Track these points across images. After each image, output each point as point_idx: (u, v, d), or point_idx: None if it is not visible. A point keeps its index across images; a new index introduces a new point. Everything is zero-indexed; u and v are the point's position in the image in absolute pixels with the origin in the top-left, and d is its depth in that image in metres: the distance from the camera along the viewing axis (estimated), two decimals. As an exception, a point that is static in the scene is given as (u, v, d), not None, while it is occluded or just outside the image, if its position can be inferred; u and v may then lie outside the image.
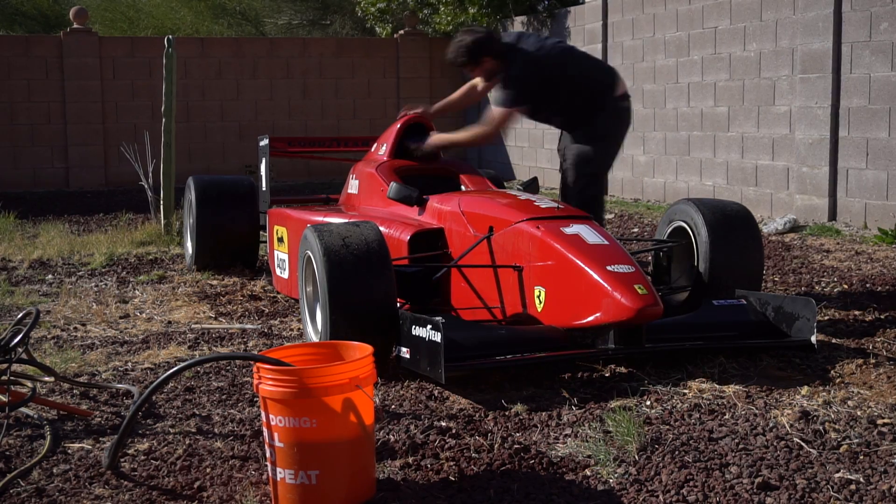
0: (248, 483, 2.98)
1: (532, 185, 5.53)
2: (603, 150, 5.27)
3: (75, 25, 13.57)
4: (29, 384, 3.73)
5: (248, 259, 6.78)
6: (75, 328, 5.21)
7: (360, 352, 2.93)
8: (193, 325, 5.23)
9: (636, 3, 10.85)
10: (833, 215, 8.13)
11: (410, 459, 3.12)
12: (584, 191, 5.23)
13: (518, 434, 3.37)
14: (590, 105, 5.25)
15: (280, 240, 5.81)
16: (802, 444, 3.17)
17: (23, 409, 3.64)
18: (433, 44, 15.03)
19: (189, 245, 6.86)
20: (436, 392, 3.85)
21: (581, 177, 5.22)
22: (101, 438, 3.44)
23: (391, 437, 3.35)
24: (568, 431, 3.37)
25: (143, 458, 3.23)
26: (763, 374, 3.97)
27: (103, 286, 6.41)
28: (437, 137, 5.57)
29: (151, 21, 19.55)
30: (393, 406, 3.71)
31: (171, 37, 8.69)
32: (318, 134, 14.03)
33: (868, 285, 5.70)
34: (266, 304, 5.75)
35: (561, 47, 5.38)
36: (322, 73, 14.51)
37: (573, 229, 4.26)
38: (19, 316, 3.79)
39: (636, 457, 3.09)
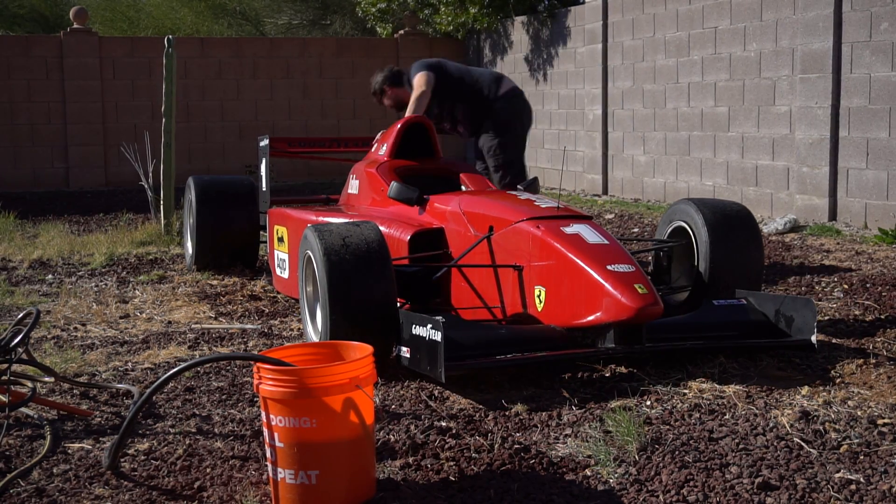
0: (248, 483, 2.98)
1: (532, 185, 5.53)
2: (507, 142, 6.39)
3: (75, 25, 13.57)
4: (29, 384, 3.73)
5: (248, 259, 6.78)
6: (75, 328, 5.21)
7: (360, 352, 2.92)
8: (193, 325, 5.23)
9: (636, 3, 10.85)
10: (833, 215, 8.13)
11: (410, 459, 3.11)
12: (504, 178, 6.32)
13: (518, 434, 3.37)
14: (482, 109, 6.42)
15: (280, 240, 5.81)
16: (802, 444, 3.17)
17: (23, 409, 3.64)
18: (434, 44, 15.03)
19: (189, 245, 6.86)
20: (436, 392, 3.85)
21: (498, 166, 6.37)
22: (101, 438, 3.44)
23: (391, 437, 3.35)
24: (568, 431, 3.37)
25: (143, 458, 3.23)
26: (763, 374, 3.97)
27: (103, 286, 6.41)
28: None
29: (151, 21, 19.55)
30: (393, 406, 3.71)
31: (171, 37, 8.69)
32: (318, 134, 14.03)
33: (868, 285, 5.69)
34: (266, 304, 5.75)
35: (459, 66, 6.67)
36: (322, 73, 14.51)
37: (573, 229, 4.26)
38: (19, 316, 3.79)
39: (636, 457, 3.09)
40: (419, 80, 6.32)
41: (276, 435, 2.76)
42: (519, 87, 6.69)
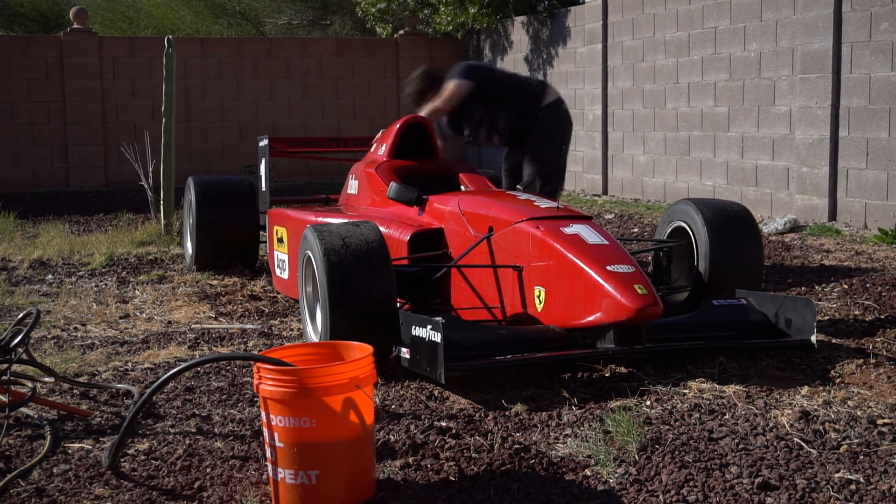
0: (248, 483, 2.99)
1: (532, 186, 5.53)
2: (548, 151, 6.09)
3: (75, 25, 13.57)
4: (29, 384, 3.73)
5: (248, 259, 6.78)
6: (75, 328, 5.21)
7: (360, 352, 2.93)
8: (193, 325, 5.23)
9: (636, 3, 10.85)
10: (833, 215, 8.13)
11: (410, 459, 3.12)
12: (543, 189, 5.87)
13: (518, 434, 3.37)
14: (527, 116, 6.08)
15: (280, 240, 5.81)
16: (802, 444, 3.18)
17: (23, 409, 3.64)
18: (433, 44, 15.03)
19: (189, 245, 6.86)
20: (436, 392, 3.85)
21: (538, 176, 5.96)
22: (101, 438, 3.44)
23: (391, 437, 3.35)
24: (568, 431, 3.37)
25: (143, 458, 3.23)
26: (763, 374, 3.97)
27: (103, 286, 6.41)
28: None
29: (151, 21, 19.54)
30: (393, 406, 3.72)
31: (171, 37, 8.69)
32: (318, 134, 14.03)
33: (868, 285, 5.70)
34: (266, 304, 5.75)
35: (504, 70, 6.45)
36: (322, 73, 14.51)
37: (573, 229, 4.26)
38: (20, 316, 3.79)
39: (636, 457, 3.09)
40: (450, 89, 5.97)
41: (276, 435, 2.76)
42: (562, 97, 6.38)
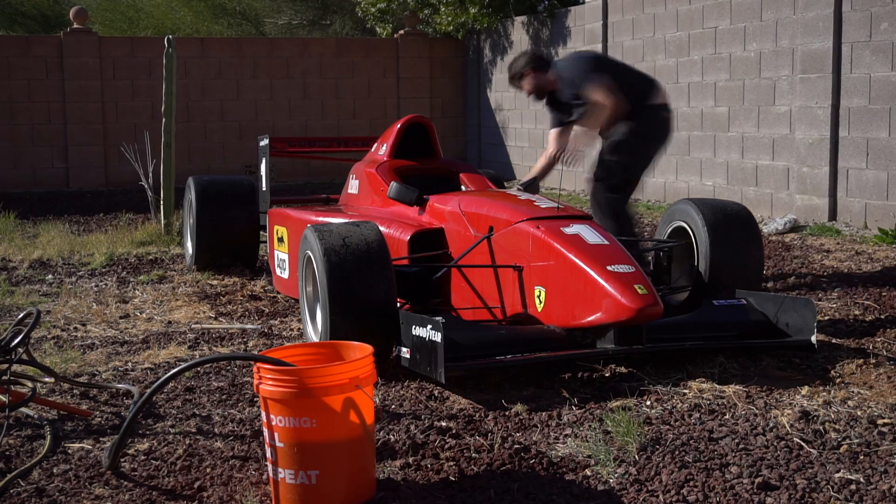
0: (248, 483, 2.99)
1: (532, 186, 5.53)
2: (626, 161, 5.23)
3: (75, 25, 13.57)
4: (29, 384, 3.73)
5: (248, 259, 6.78)
6: (75, 328, 5.21)
7: (360, 352, 2.93)
8: (193, 325, 5.23)
9: (636, 3, 10.85)
10: (833, 215, 8.13)
11: (410, 459, 3.12)
12: (607, 205, 5.24)
13: (518, 434, 3.37)
14: (632, 110, 5.20)
15: (280, 240, 5.81)
16: (802, 444, 3.18)
17: (23, 409, 3.64)
18: (433, 44, 15.03)
19: (189, 245, 6.86)
20: (436, 392, 3.85)
21: (603, 189, 5.25)
22: (101, 438, 3.44)
23: (391, 437, 3.35)
24: (568, 431, 3.37)
25: (143, 458, 3.23)
26: (763, 374, 3.97)
27: (103, 286, 6.41)
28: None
29: (151, 21, 19.53)
30: (393, 406, 3.72)
31: (171, 37, 8.69)
32: (318, 134, 14.03)
33: (868, 285, 5.69)
34: (266, 304, 5.75)
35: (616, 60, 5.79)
36: (322, 73, 14.51)
37: (573, 229, 4.26)
38: (20, 316, 3.79)
39: (636, 457, 3.09)
40: (602, 94, 5.12)
41: (276, 435, 2.76)
42: (668, 105, 5.45)
